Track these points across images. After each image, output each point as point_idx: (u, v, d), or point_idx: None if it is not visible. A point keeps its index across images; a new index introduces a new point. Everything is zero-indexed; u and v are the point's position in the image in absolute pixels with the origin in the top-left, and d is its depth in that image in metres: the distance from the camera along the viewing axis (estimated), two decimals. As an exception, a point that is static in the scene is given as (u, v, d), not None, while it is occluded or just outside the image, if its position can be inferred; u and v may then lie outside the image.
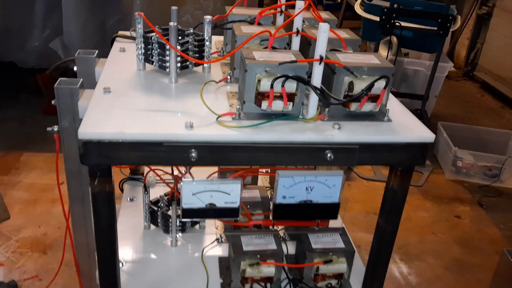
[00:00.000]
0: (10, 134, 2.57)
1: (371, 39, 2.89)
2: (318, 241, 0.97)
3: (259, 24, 1.00)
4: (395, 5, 2.53)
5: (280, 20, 1.05)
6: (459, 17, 2.74)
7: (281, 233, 1.09)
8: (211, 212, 0.77)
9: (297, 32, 0.90)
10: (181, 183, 0.75)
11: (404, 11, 2.44)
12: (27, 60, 2.93)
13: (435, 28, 2.46)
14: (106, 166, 0.71)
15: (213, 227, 1.14)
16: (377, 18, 2.53)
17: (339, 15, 5.27)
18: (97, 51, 1.00)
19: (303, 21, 1.04)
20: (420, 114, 2.71)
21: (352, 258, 0.97)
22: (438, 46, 2.56)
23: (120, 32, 1.13)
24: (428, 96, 2.67)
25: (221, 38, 1.15)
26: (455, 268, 1.92)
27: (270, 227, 0.96)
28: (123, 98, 0.80)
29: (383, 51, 2.77)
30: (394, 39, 2.72)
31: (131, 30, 1.14)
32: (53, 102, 0.82)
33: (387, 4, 2.58)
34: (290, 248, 1.03)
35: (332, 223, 1.09)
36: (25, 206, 2.03)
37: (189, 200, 0.76)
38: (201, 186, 0.75)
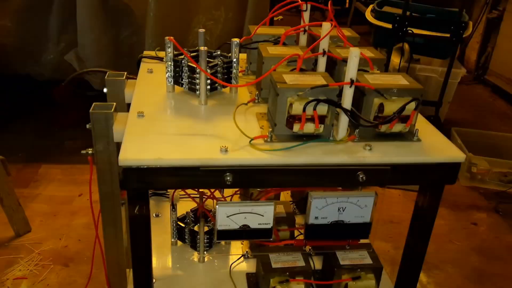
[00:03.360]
0: (28, 147, 2.61)
1: (383, 46, 2.89)
2: (346, 257, 0.98)
3: (283, 43, 1.02)
4: (407, 13, 2.54)
5: (303, 38, 1.06)
6: (470, 23, 2.74)
7: (307, 248, 1.10)
8: (245, 233, 0.79)
9: (324, 53, 0.91)
10: (217, 206, 0.76)
11: (417, 19, 2.45)
12: (42, 72, 2.97)
13: (447, 35, 2.47)
14: (144, 190, 0.73)
15: (238, 243, 1.15)
16: (389, 26, 2.53)
17: (347, 20, 5.29)
18: (125, 73, 1.02)
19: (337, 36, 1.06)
20: (434, 121, 2.71)
21: (380, 274, 0.98)
22: (451, 52, 2.56)
23: (145, 52, 1.15)
24: (442, 102, 2.67)
25: (244, 55, 1.17)
26: (475, 277, 1.91)
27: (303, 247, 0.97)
28: (157, 122, 0.82)
29: (395, 58, 2.78)
30: (406, 46, 2.73)
31: (156, 50, 1.16)
32: (87, 126, 0.84)
33: (398, 10, 2.59)
34: (316, 263, 1.04)
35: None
36: (45, 219, 2.06)
37: (224, 222, 0.77)
38: (236, 209, 0.77)
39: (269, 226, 0.79)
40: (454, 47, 2.54)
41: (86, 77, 2.95)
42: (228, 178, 0.73)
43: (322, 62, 0.92)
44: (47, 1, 2.80)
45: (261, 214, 0.78)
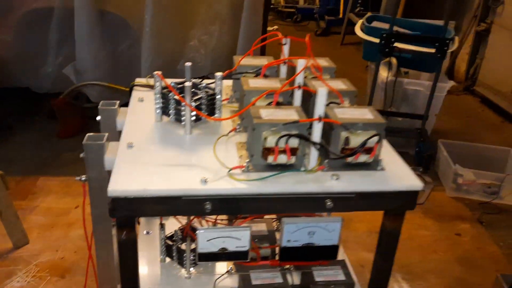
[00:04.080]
0: (26, 159, 2.68)
1: (372, 59, 2.98)
2: (320, 274, 1.06)
3: (264, 75, 1.10)
4: (395, 28, 2.63)
5: (283, 70, 1.14)
6: (457, 38, 2.83)
7: (288, 265, 1.18)
8: (224, 255, 0.87)
9: (299, 87, 0.99)
10: (197, 231, 0.84)
11: (402, 36, 2.54)
12: (41, 85, 3.06)
13: (433, 51, 2.55)
14: (131, 217, 0.81)
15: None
16: (377, 40, 2.62)
17: (341, 29, 5.39)
18: (118, 102, 1.10)
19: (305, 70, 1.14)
20: (421, 133, 2.79)
21: (353, 289, 1.05)
22: (436, 68, 2.65)
23: (137, 80, 1.23)
24: (428, 115, 2.75)
25: (230, 82, 1.25)
26: (457, 287, 1.99)
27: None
28: (145, 153, 0.90)
29: (383, 71, 2.87)
30: (394, 60, 2.82)
31: (147, 77, 1.24)
32: (81, 155, 0.92)
33: (387, 25, 2.68)
34: (296, 279, 1.12)
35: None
36: (42, 231, 2.13)
37: (204, 246, 0.85)
38: (215, 234, 0.85)
39: (245, 249, 0.87)
40: (439, 62, 2.63)
41: (83, 90, 3.03)
42: (208, 206, 0.81)
43: (298, 95, 1.00)
44: (46, 16, 2.88)
45: (238, 238, 0.86)
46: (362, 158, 0.88)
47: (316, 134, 0.86)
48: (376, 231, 2.34)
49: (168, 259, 1.21)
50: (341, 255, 1.21)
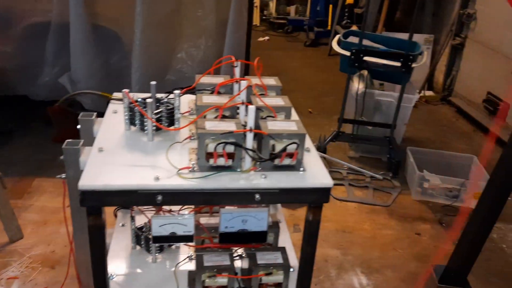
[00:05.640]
0: (24, 161, 2.90)
1: (347, 72, 3.19)
2: (263, 257, 1.27)
3: (219, 92, 1.32)
4: (366, 43, 2.85)
5: (236, 87, 1.36)
6: (425, 53, 3.04)
7: (240, 252, 1.39)
8: (173, 238, 1.08)
9: (242, 102, 1.21)
10: (151, 218, 1.05)
11: (370, 51, 2.76)
12: (38, 93, 3.28)
13: (399, 64, 2.77)
14: (98, 207, 1.02)
15: (186, 247, 1.44)
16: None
17: (329, 41, 5.62)
18: (95, 113, 1.31)
19: (255, 88, 1.35)
20: (389, 141, 3.01)
21: (288, 271, 1.26)
22: (403, 80, 2.87)
23: (115, 94, 1.44)
24: (395, 125, 2.97)
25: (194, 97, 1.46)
26: (410, 280, 2.19)
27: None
28: (112, 156, 1.11)
29: (356, 83, 3.09)
30: (365, 73, 3.04)
31: (123, 91, 1.45)
32: (61, 157, 1.13)
33: (365, 41, 2.89)
34: (242, 263, 1.33)
35: (281, 243, 1.39)
36: (36, 227, 2.34)
37: (157, 230, 1.06)
38: (165, 220, 1.06)
39: (191, 233, 1.08)
40: (405, 76, 2.84)
41: (78, 98, 3.25)
42: (159, 198, 1.02)
43: (242, 109, 1.22)
44: (44, 30, 3.11)
45: (184, 224, 1.06)
46: (287, 161, 1.09)
47: (249, 141, 1.07)
48: (342, 229, 2.55)
49: (138, 247, 1.42)
50: (289, 244, 1.43)
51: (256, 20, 6.52)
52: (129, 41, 3.15)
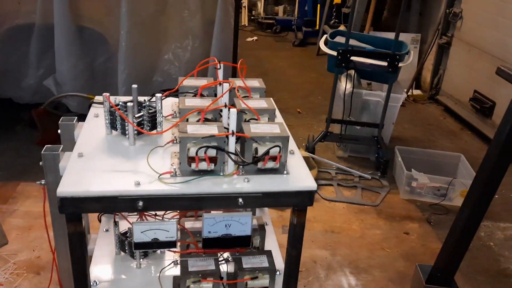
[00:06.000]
0: (8, 165, 2.85)
1: (334, 72, 3.19)
2: (248, 261, 1.26)
3: (201, 95, 1.30)
4: (352, 42, 2.85)
5: (219, 90, 1.35)
6: (411, 52, 3.05)
7: (225, 256, 1.38)
8: (156, 244, 1.06)
9: (225, 105, 1.19)
10: (133, 224, 1.03)
11: (357, 51, 2.76)
12: (23, 96, 3.23)
13: (386, 64, 2.78)
14: (77, 214, 1.00)
15: (171, 253, 1.42)
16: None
17: (317, 40, 5.63)
18: (76, 117, 1.29)
19: (238, 90, 1.34)
20: (377, 141, 3.01)
21: (274, 274, 1.25)
22: (390, 80, 2.87)
23: (96, 98, 1.42)
24: (383, 124, 2.97)
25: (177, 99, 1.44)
26: (398, 279, 2.20)
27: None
28: (92, 161, 1.09)
29: (344, 82, 3.09)
30: (353, 72, 3.04)
31: (103, 95, 1.43)
32: (40, 163, 1.10)
33: (351, 41, 2.89)
34: (228, 267, 1.32)
35: (268, 246, 1.38)
36: (21, 232, 2.30)
37: (139, 236, 1.04)
38: (147, 226, 1.04)
39: (173, 239, 1.07)
40: (393, 75, 2.85)
41: (63, 101, 3.21)
42: (140, 204, 1.00)
43: (225, 112, 1.21)
44: (27, 32, 3.07)
45: (167, 230, 1.05)
46: (270, 164, 1.08)
47: (231, 145, 1.06)
48: (331, 230, 2.55)
49: (122, 253, 1.40)
50: (276, 246, 1.42)
51: (244, 20, 6.51)
52: (115, 42, 3.12)
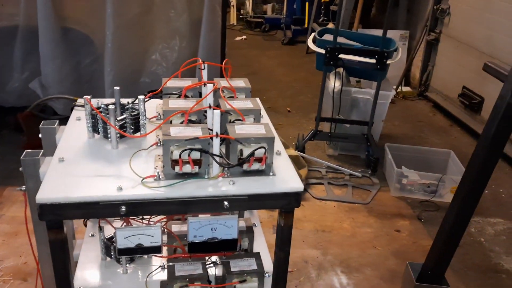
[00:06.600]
0: (-7, 170, 2.80)
1: (323, 70, 3.18)
2: (236, 265, 1.24)
3: (186, 96, 1.28)
4: (340, 40, 2.84)
5: (204, 90, 1.32)
6: (400, 49, 3.05)
7: (213, 259, 1.35)
8: (140, 250, 1.04)
9: (210, 106, 1.17)
10: (116, 231, 1.01)
11: (345, 49, 2.75)
12: (8, 99, 3.18)
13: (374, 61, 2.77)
14: (58, 221, 0.97)
15: (158, 258, 1.39)
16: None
17: (306, 38, 5.62)
18: (58, 121, 1.26)
19: (223, 90, 1.32)
20: (367, 138, 3.01)
21: (263, 277, 1.23)
22: (378, 77, 2.87)
23: (79, 101, 1.39)
24: (373, 122, 2.97)
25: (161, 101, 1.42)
26: (389, 278, 2.19)
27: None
28: (73, 166, 1.06)
29: (332, 81, 3.08)
30: (341, 70, 3.03)
31: (84, 97, 1.40)
32: (20, 169, 1.07)
33: (340, 39, 2.88)
34: (216, 270, 1.29)
35: (257, 248, 1.36)
36: (7, 238, 2.26)
37: (122, 242, 1.02)
38: (131, 232, 1.02)
39: (158, 244, 1.04)
40: (382, 72, 2.84)
41: (49, 103, 3.17)
42: (123, 209, 0.98)
43: (209, 113, 1.18)
44: (11, 34, 3.02)
45: (151, 235, 1.02)
46: (256, 166, 1.06)
47: (216, 147, 1.04)
48: (322, 229, 2.53)
49: (108, 258, 1.37)
50: (265, 247, 1.41)
51: (233, 19, 6.48)
52: (100, 43, 3.08)
